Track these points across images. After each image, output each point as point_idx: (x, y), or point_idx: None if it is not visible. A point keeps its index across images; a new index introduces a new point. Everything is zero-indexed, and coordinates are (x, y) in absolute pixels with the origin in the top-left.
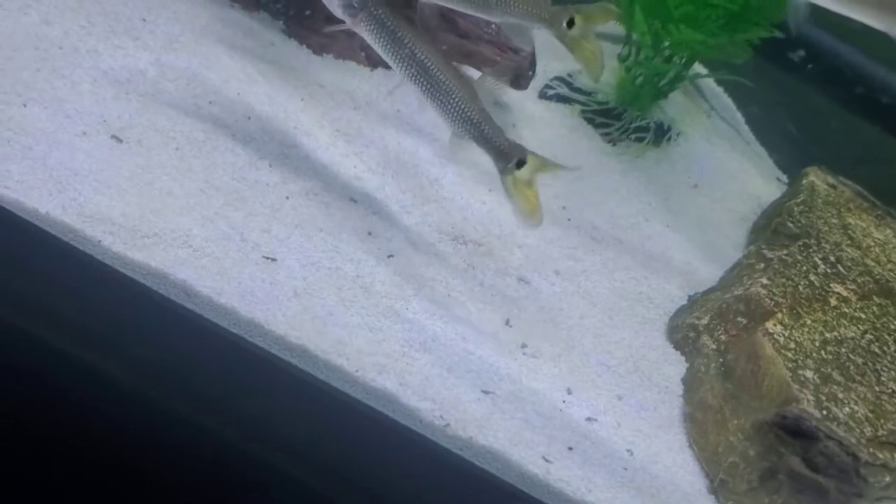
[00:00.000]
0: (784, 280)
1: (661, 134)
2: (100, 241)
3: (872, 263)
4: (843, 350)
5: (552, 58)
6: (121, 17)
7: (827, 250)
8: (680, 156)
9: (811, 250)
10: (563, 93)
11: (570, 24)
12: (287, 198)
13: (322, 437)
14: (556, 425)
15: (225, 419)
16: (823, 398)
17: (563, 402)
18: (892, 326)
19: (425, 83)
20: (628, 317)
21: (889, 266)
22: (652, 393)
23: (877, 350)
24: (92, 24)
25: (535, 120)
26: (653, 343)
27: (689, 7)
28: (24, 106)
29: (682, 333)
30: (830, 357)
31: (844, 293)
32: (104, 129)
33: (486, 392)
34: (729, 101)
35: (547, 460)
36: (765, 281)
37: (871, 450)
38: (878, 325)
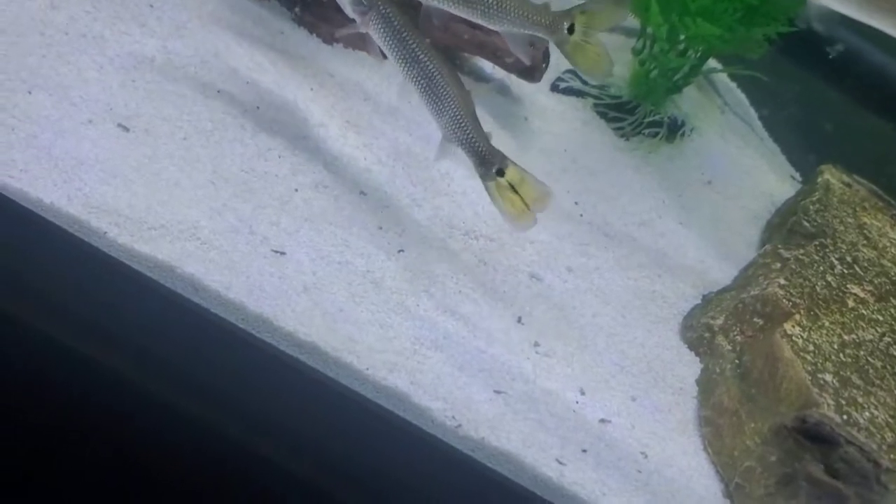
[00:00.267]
0: (801, 280)
1: (674, 129)
2: (105, 233)
3: (889, 264)
4: (862, 353)
5: None
6: (127, 3)
7: (843, 250)
8: (693, 152)
9: (828, 250)
10: (575, 86)
11: (571, 29)
12: (296, 190)
13: (331, 436)
14: (569, 427)
15: (231, 416)
16: (843, 402)
17: (577, 402)
18: None
19: (423, 84)
20: (641, 315)
21: None
22: (666, 394)
23: (895, 353)
24: (98, 10)
25: (546, 113)
26: (667, 343)
27: (706, 0)
28: (29, 93)
29: (696, 333)
30: (849, 360)
31: (862, 294)
32: (110, 118)
33: (498, 392)
34: (742, 97)
35: (561, 463)
36: (782, 281)
37: (892, 456)
38: None
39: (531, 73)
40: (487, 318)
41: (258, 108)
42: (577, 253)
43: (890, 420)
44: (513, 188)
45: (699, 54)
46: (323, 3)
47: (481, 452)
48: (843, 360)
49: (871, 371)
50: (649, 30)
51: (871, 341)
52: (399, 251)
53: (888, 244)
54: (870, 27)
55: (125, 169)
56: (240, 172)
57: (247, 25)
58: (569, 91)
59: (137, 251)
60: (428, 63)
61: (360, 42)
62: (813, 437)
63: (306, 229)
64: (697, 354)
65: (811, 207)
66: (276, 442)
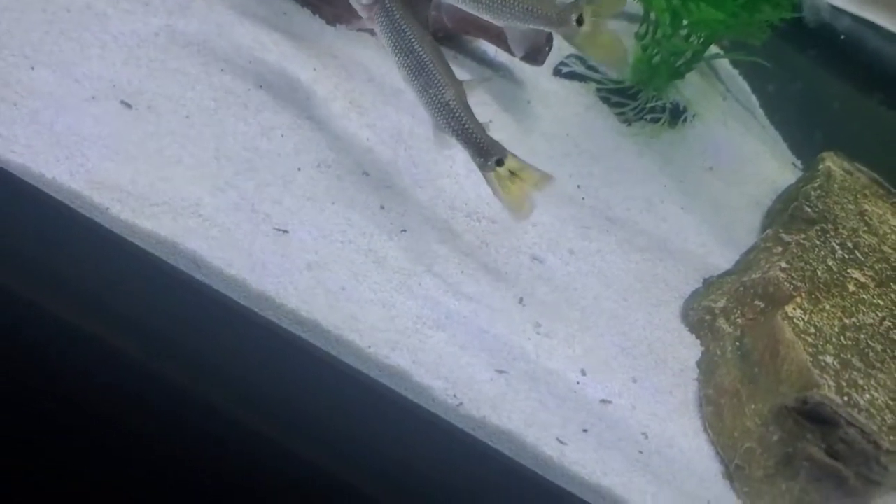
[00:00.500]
0: (802, 264)
1: (676, 115)
2: (107, 209)
3: (889, 250)
4: (863, 336)
5: None
6: None
7: (844, 236)
8: (695, 137)
9: (829, 235)
10: (578, 70)
11: (580, 21)
12: (299, 169)
13: (332, 414)
14: (570, 407)
15: (232, 393)
16: (844, 384)
17: (578, 383)
18: None
19: (418, 76)
20: (643, 298)
21: None
22: (667, 376)
23: (895, 337)
24: None
25: (549, 97)
26: (668, 325)
27: None
28: (32, 69)
29: (697, 316)
30: (850, 343)
31: (863, 279)
32: (113, 94)
33: (499, 371)
34: (745, 85)
35: (562, 442)
36: (783, 265)
37: (892, 437)
38: None
39: (534, 56)
40: (489, 299)
41: (261, 87)
42: (579, 236)
43: (890, 402)
44: (513, 175)
45: (702, 40)
46: None
47: (482, 431)
48: (844, 342)
49: (871, 354)
50: (652, 15)
51: (871, 325)
52: (402, 231)
53: (889, 231)
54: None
55: (128, 145)
56: (242, 151)
57: (250, 5)
58: (571, 76)
59: (140, 227)
60: (423, 54)
61: (363, 23)
62: (813, 419)
63: (309, 208)
64: (699, 337)
65: (812, 193)
66: (277, 419)
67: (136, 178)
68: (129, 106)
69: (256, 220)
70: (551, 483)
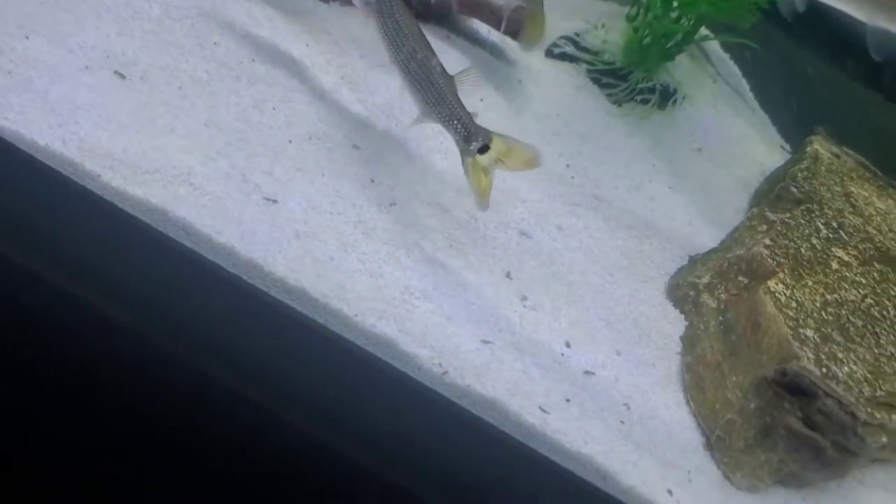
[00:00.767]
0: (787, 242)
1: (666, 97)
2: (99, 176)
3: (874, 231)
4: (844, 312)
5: (561, 17)
6: None
7: (829, 216)
8: (685, 119)
9: (814, 215)
10: (569, 52)
11: None
12: (290, 141)
13: (319, 381)
14: (554, 377)
15: (220, 358)
16: (823, 357)
17: (562, 354)
18: (893, 292)
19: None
20: (629, 274)
21: (890, 235)
22: (650, 349)
23: (877, 314)
24: None
25: (541, 77)
26: (653, 301)
27: None
28: (27, 38)
29: (682, 292)
30: (831, 318)
31: (846, 258)
32: (107, 65)
33: (485, 342)
34: (735, 69)
35: (544, 411)
36: (767, 242)
37: (869, 409)
38: (879, 291)
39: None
40: (477, 272)
41: (254, 60)
42: (567, 213)
43: (868, 375)
44: (487, 170)
45: (692, 21)
46: None
47: (466, 399)
48: (825, 317)
49: (851, 329)
50: None
51: (853, 301)
52: (391, 204)
53: (874, 212)
54: None
55: (120, 115)
56: (234, 122)
57: None
58: (563, 57)
59: (130, 194)
60: (410, 38)
61: None
62: (792, 390)
63: (299, 179)
64: (682, 312)
65: (799, 174)
66: (264, 385)
67: (129, 147)
68: (122, 76)
69: (246, 189)
70: (534, 451)
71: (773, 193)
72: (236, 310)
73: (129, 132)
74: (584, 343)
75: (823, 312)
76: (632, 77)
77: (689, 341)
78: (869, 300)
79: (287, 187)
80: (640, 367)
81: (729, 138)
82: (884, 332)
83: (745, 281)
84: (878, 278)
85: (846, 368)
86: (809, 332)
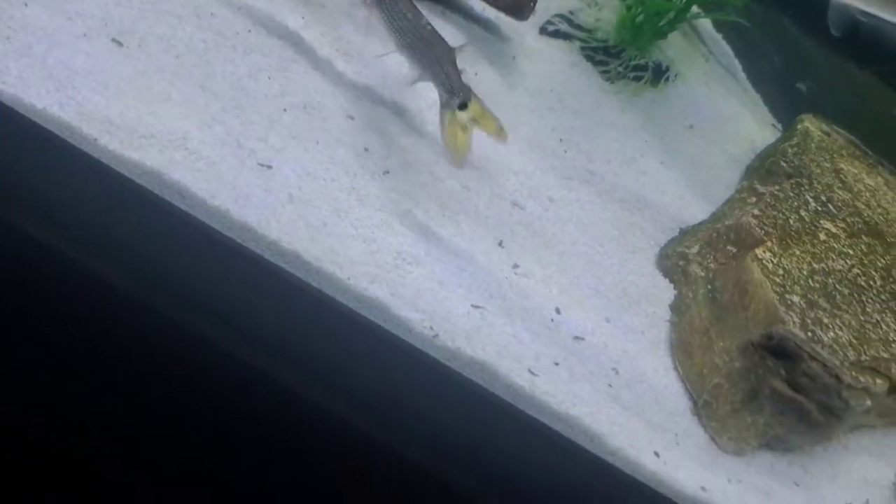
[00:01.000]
0: (775, 213)
1: (659, 74)
2: (96, 140)
3: (863, 206)
4: (831, 280)
5: None
6: None
7: (818, 190)
8: (677, 97)
9: (803, 188)
10: (563, 29)
11: None
12: (284, 110)
13: (312, 343)
14: (543, 342)
15: (214, 320)
16: (809, 322)
17: (552, 320)
18: (879, 264)
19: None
20: (619, 245)
21: (879, 210)
22: (640, 317)
23: (863, 284)
24: None
25: (534, 54)
26: (642, 270)
27: None
28: (26, 5)
29: (671, 262)
30: (817, 286)
31: (834, 230)
32: (105, 32)
33: (476, 306)
34: (727, 48)
35: (533, 373)
36: (756, 212)
37: (853, 373)
38: (866, 262)
39: (519, 10)
40: (469, 240)
41: (250, 31)
42: (559, 185)
43: (853, 340)
44: (466, 126)
45: (684, 0)
46: None
47: (457, 362)
48: (812, 285)
49: (838, 297)
50: None
51: (840, 271)
52: (385, 173)
53: (863, 188)
54: None
55: (118, 81)
56: (230, 90)
57: None
58: (557, 34)
59: (127, 158)
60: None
61: None
62: (778, 354)
63: (293, 147)
64: (672, 282)
65: (789, 150)
66: (257, 346)
67: (125, 112)
68: (120, 44)
69: (241, 155)
70: (523, 413)
71: (764, 168)
72: (230, 271)
73: (126, 98)
74: (574, 310)
75: (810, 280)
76: (625, 54)
77: (678, 309)
78: (856, 270)
79: (282, 154)
80: (628, 334)
81: (721, 116)
82: (870, 300)
83: (734, 250)
84: (865, 250)
85: (831, 333)
86: (796, 298)
